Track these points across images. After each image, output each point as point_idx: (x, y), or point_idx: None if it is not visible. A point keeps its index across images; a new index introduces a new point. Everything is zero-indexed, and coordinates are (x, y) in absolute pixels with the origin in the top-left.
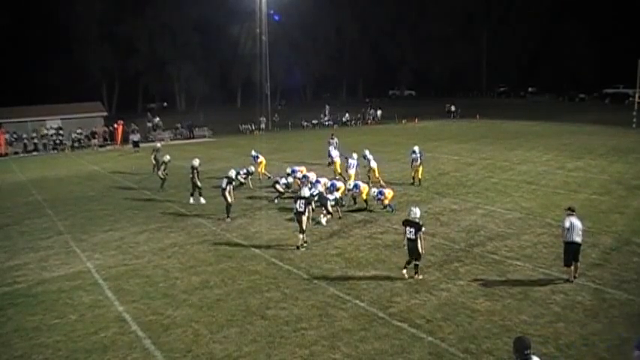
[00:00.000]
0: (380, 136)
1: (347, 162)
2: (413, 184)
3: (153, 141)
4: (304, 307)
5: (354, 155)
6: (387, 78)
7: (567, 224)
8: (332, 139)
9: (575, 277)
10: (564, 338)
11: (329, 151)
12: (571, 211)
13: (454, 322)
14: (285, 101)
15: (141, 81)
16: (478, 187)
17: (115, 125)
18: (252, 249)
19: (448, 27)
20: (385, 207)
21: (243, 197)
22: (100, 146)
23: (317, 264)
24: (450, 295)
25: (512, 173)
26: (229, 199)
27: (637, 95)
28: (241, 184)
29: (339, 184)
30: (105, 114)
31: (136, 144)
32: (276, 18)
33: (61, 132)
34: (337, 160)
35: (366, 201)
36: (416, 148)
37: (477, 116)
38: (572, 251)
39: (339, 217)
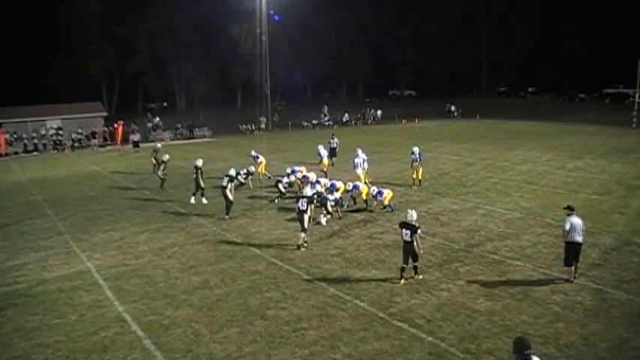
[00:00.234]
0: (380, 136)
1: (353, 162)
2: (413, 184)
3: (153, 141)
4: (304, 307)
5: (359, 152)
6: (387, 78)
7: (567, 226)
8: (332, 139)
9: (575, 277)
10: (564, 338)
11: (318, 150)
12: (570, 210)
13: (454, 322)
14: (285, 101)
15: (141, 81)
16: (478, 187)
17: (115, 125)
18: (253, 249)
19: (448, 27)
20: (385, 207)
21: (243, 197)
22: (100, 146)
23: (317, 264)
24: (450, 295)
25: (512, 173)
26: (230, 198)
27: (637, 95)
28: (241, 184)
29: (339, 184)
30: (105, 114)
31: (136, 144)
32: (276, 18)
33: (60, 132)
34: (325, 160)
35: (365, 201)
36: (415, 149)
37: (477, 116)
38: (573, 251)
39: (339, 218)
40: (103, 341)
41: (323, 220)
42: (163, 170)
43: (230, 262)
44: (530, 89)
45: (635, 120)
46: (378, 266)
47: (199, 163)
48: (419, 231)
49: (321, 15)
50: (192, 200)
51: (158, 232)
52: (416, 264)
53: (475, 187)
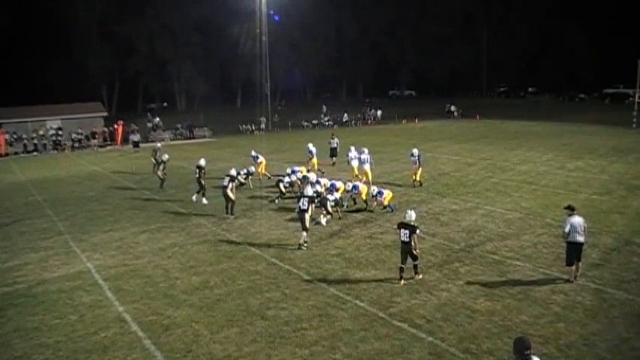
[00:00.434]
0: (380, 136)
1: (360, 161)
2: (414, 185)
3: (153, 141)
4: (304, 308)
5: (365, 150)
6: (387, 78)
7: (567, 228)
8: (332, 139)
9: (575, 278)
10: (564, 338)
11: (308, 148)
12: (571, 210)
13: (454, 322)
14: (285, 101)
15: (141, 81)
16: (478, 187)
17: (115, 125)
18: (253, 249)
19: (448, 27)
20: (385, 207)
21: (243, 197)
22: (100, 146)
23: (317, 264)
24: (450, 295)
25: (512, 173)
26: (232, 197)
27: (637, 95)
28: (241, 184)
29: (339, 184)
30: (105, 114)
31: (136, 144)
32: (276, 18)
33: (60, 132)
34: (315, 158)
35: (365, 201)
36: (415, 151)
37: (477, 116)
38: (574, 251)
39: (339, 218)
40: (103, 341)
41: (323, 221)
42: (163, 170)
43: (230, 262)
44: (530, 89)
45: (635, 120)
46: (378, 266)
47: (202, 162)
48: (418, 231)
49: (321, 15)
50: (194, 198)
51: (158, 232)
52: (416, 263)
53: (475, 187)
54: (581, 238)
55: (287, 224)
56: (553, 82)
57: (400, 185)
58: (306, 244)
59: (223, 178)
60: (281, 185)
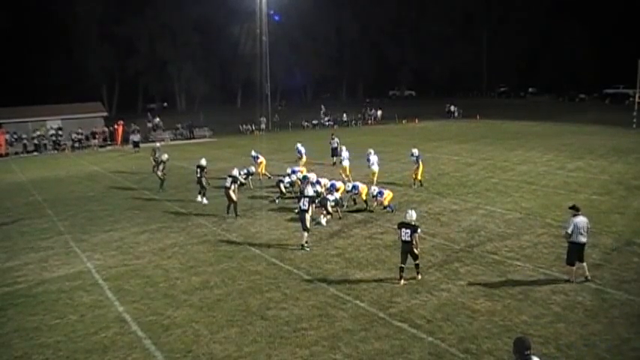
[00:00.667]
0: (380, 136)
1: (368, 161)
2: (414, 184)
3: (153, 141)
4: (304, 308)
5: (371, 151)
6: (387, 78)
7: (570, 229)
8: (332, 139)
9: (587, 278)
10: (565, 338)
11: (297, 148)
12: (576, 210)
13: (454, 322)
14: (286, 101)
15: (141, 81)
16: (478, 187)
17: (115, 125)
18: (253, 249)
19: (448, 27)
20: (385, 207)
21: (243, 197)
22: (100, 146)
23: (317, 264)
24: (450, 295)
25: (512, 173)
26: (234, 198)
27: (637, 95)
28: (242, 184)
29: (339, 184)
30: (105, 114)
31: (136, 144)
32: (276, 18)
33: (60, 132)
34: (304, 157)
35: (365, 201)
36: (414, 150)
37: (477, 116)
38: (576, 251)
39: (339, 218)
40: (103, 341)
41: (323, 221)
42: (162, 170)
43: (230, 262)
44: (530, 89)
45: (635, 120)
46: (378, 266)
47: (203, 162)
48: (419, 230)
49: (321, 15)
50: (199, 199)
51: (158, 232)
52: (417, 262)
53: (475, 187)
54: (583, 239)
55: (287, 224)
56: (553, 82)
57: (400, 185)
58: (306, 244)
59: (225, 179)
60: (281, 186)
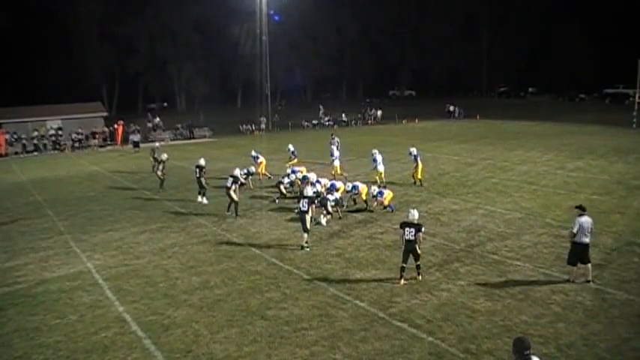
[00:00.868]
0: (380, 136)
1: (374, 161)
2: (414, 183)
3: (153, 141)
4: (304, 308)
5: (375, 151)
6: (387, 78)
7: (576, 228)
8: (333, 138)
9: (591, 281)
10: (564, 338)
11: (289, 148)
12: (582, 210)
13: (454, 322)
14: (286, 101)
15: (141, 81)
16: (478, 187)
17: (115, 125)
18: (253, 249)
19: (448, 27)
20: (385, 207)
21: (243, 197)
22: (100, 146)
23: (317, 264)
24: (450, 295)
25: (512, 173)
26: (235, 198)
27: (637, 95)
28: (242, 184)
29: (339, 184)
30: (105, 114)
31: (136, 144)
32: (276, 18)
33: (60, 132)
34: (295, 159)
35: (365, 201)
36: (413, 150)
37: (477, 116)
38: (578, 252)
39: (339, 218)
40: (103, 341)
41: (323, 221)
42: (162, 170)
43: (230, 262)
44: (530, 89)
45: (635, 120)
46: (378, 266)
47: (202, 162)
48: (423, 229)
49: (321, 15)
50: (199, 199)
51: (158, 232)
52: (418, 263)
53: (475, 187)
54: (587, 239)
55: (287, 224)
56: (553, 82)
57: (400, 185)
58: (307, 244)
59: (226, 179)
60: (281, 186)
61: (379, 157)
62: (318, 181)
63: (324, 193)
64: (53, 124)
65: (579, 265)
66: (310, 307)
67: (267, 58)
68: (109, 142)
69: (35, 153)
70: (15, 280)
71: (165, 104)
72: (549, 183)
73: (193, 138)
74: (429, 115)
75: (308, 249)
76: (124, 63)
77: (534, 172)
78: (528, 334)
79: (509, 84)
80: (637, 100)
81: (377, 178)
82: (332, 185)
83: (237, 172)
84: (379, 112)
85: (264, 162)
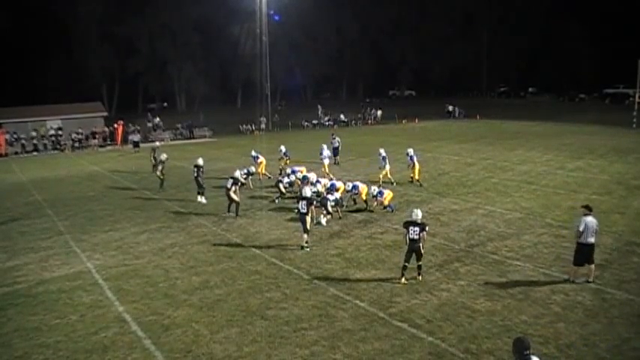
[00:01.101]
0: (380, 136)
1: (383, 160)
2: (411, 181)
3: (153, 141)
4: (304, 308)
5: (382, 151)
6: (387, 78)
7: (582, 227)
8: (334, 138)
9: (593, 281)
10: (564, 338)
11: (280, 149)
12: (588, 210)
13: (454, 322)
14: (286, 101)
15: (141, 81)
16: (478, 187)
17: (115, 125)
18: (253, 249)
19: (448, 27)
20: (385, 207)
21: (243, 197)
22: (100, 146)
23: (317, 264)
24: (450, 295)
25: (512, 173)
26: (235, 198)
27: (637, 95)
28: (242, 184)
29: (339, 184)
30: (105, 114)
31: (136, 144)
32: (276, 18)
33: (60, 132)
34: (285, 157)
35: (365, 201)
36: (409, 150)
37: (477, 116)
38: (585, 252)
39: (339, 218)
40: (103, 341)
41: (323, 221)
42: (161, 170)
43: (230, 262)
44: (530, 89)
45: (635, 120)
46: (378, 266)
47: (200, 162)
48: (427, 228)
49: (321, 15)
50: (199, 199)
51: (158, 232)
52: (420, 263)
53: (475, 187)
54: (592, 240)
55: (287, 224)
56: (553, 82)
57: (400, 185)
58: (307, 245)
59: (226, 179)
60: (280, 186)
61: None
62: (318, 181)
63: (324, 193)
64: (53, 124)
65: (585, 265)
66: (310, 307)
67: (267, 58)
68: (109, 142)
69: (35, 153)
70: (15, 280)
71: (165, 104)
72: (549, 183)
73: (193, 138)
74: (429, 115)
75: (308, 249)
76: (124, 63)
77: (534, 172)
78: (528, 334)
79: (509, 84)
80: (637, 100)
81: (382, 177)
82: (332, 185)
83: (237, 173)
84: (379, 112)
85: (264, 162)
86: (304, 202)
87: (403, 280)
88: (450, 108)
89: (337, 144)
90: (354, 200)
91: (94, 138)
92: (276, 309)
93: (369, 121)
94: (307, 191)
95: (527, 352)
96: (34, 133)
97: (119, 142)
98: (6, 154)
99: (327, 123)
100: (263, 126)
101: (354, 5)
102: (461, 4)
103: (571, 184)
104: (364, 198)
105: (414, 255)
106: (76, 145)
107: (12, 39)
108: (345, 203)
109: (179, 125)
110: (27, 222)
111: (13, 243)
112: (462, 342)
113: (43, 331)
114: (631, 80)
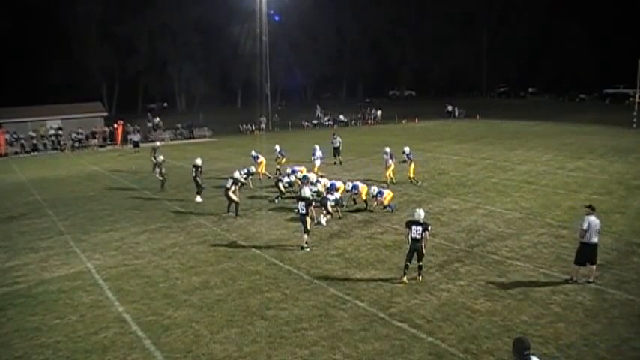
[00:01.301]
0: (380, 136)
1: (387, 161)
2: (411, 182)
3: (153, 141)
4: (304, 308)
5: (387, 150)
6: (387, 78)
7: (585, 226)
8: (335, 138)
9: (594, 281)
10: (564, 338)
11: (275, 149)
12: (591, 209)
13: (454, 322)
14: (285, 101)
15: (141, 81)
16: (478, 187)
17: (115, 125)
18: (253, 249)
19: (448, 27)
20: (385, 207)
21: (243, 197)
22: (100, 146)
23: (317, 264)
24: (450, 295)
25: (512, 173)
26: (234, 199)
27: (637, 95)
28: (242, 184)
29: (339, 184)
30: (105, 114)
31: (136, 144)
32: (276, 18)
33: (60, 132)
34: (280, 156)
35: (365, 201)
36: (406, 149)
37: (477, 116)
38: (587, 252)
39: (339, 218)
40: (103, 341)
41: (323, 221)
42: (161, 171)
43: (230, 262)
44: (530, 89)
45: (635, 120)
46: (378, 266)
47: (198, 161)
48: (430, 228)
49: (321, 15)
50: (198, 199)
51: (158, 232)
52: (421, 263)
53: (475, 187)
54: (595, 239)
55: (287, 224)
56: (553, 82)
57: (400, 185)
58: (306, 245)
59: (226, 179)
60: (280, 185)
61: (387, 155)
62: (318, 181)
63: (324, 193)
64: (53, 124)
65: (586, 265)
66: (310, 307)
67: (267, 58)
68: (109, 142)
69: (35, 153)
70: (15, 280)
71: (165, 104)
72: (549, 183)
73: (193, 138)
74: (429, 115)
75: (308, 249)
76: (124, 63)
77: (534, 172)
78: (528, 334)
79: (509, 84)
80: (637, 100)
81: (388, 176)
82: (332, 185)
83: (237, 174)
84: (379, 112)
85: (264, 162)
86: (303, 203)
87: (405, 279)
88: (450, 108)
89: (338, 144)
90: (354, 200)
91: (94, 138)
92: (276, 309)
93: (369, 121)
94: (306, 192)
95: (527, 352)
96: (33, 133)
97: (119, 142)
98: (6, 154)
99: (326, 123)
100: (263, 126)
101: (354, 5)
102: (461, 4)
103: (571, 184)
104: (364, 198)
105: (415, 254)
106: (76, 145)
107: (12, 39)
108: (345, 203)
109: (179, 125)
110: (27, 222)
111: (13, 243)
112: (461, 342)
113: (43, 331)
114: (631, 80)
